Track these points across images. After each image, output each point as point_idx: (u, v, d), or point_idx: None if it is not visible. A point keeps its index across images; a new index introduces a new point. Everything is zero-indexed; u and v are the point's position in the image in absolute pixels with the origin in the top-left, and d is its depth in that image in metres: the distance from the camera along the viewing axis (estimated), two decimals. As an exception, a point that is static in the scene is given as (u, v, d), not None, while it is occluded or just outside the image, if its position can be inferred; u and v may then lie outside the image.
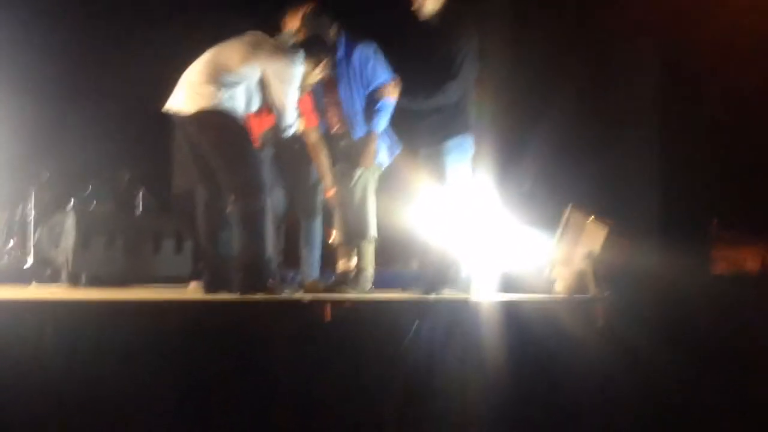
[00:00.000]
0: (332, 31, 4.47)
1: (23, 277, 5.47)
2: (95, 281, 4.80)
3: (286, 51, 4.04)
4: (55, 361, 3.10)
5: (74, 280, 4.81)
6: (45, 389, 3.07)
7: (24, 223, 7.37)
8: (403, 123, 4.66)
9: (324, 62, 4.23)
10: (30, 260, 7.13)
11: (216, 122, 3.88)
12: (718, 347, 4.57)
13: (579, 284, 3.93)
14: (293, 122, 4.12)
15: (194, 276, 5.08)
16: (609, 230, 3.88)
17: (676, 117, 5.46)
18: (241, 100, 3.96)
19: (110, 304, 3.15)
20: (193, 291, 4.82)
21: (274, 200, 4.69)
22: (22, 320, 2.98)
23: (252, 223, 3.89)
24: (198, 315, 3.38)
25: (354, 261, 4.62)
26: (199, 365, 3.43)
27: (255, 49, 3.98)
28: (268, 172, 4.62)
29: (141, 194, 8.06)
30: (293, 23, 4.38)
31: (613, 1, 4.77)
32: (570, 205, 4.03)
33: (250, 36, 4.08)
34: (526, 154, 5.96)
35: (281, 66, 3.97)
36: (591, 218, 3.93)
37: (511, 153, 5.32)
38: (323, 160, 4.54)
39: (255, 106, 4.05)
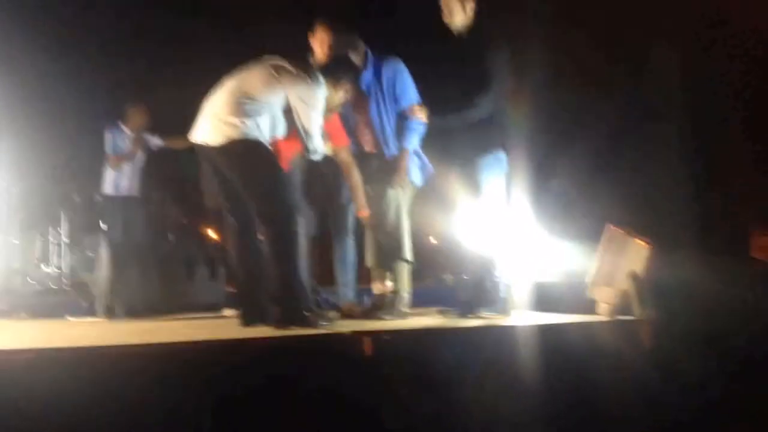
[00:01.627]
0: (359, 49, 4.43)
1: (57, 307, 5.46)
2: (131, 312, 4.78)
3: (308, 74, 3.97)
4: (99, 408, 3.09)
5: (110, 313, 4.79)
6: None
7: (57, 246, 7.46)
8: (435, 140, 4.59)
9: (345, 84, 4.17)
10: (64, 285, 7.20)
11: (244, 151, 3.83)
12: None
13: (623, 305, 3.82)
14: (320, 146, 4.07)
15: (229, 303, 5.07)
16: (651, 249, 3.77)
17: (715, 126, 5.31)
18: (266, 127, 3.92)
19: (144, 348, 3.10)
20: (227, 316, 4.81)
21: (307, 221, 4.67)
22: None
23: (283, 252, 3.83)
24: (236, 353, 3.33)
25: (389, 283, 4.55)
26: (240, 402, 3.40)
27: (277, 74, 3.92)
28: (299, 194, 4.61)
29: (173, 214, 8.12)
30: (321, 43, 4.31)
31: (647, 12, 4.65)
32: (609, 223, 3.92)
33: (269, 60, 4.01)
34: (561, 167, 5.86)
35: (304, 90, 3.91)
36: (633, 237, 3.81)
37: (547, 168, 5.22)
38: (356, 180, 4.47)
39: (280, 131, 4.01)
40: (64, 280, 7.27)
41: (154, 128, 7.36)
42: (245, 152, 3.84)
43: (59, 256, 7.50)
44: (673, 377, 3.75)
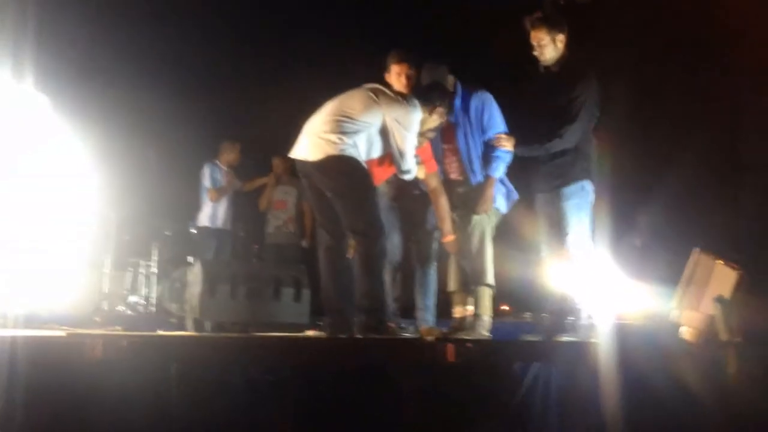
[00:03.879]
0: (450, 82, 4.59)
1: (148, 327, 5.67)
2: (219, 328, 4.93)
3: (405, 99, 4.17)
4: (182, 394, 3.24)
5: (199, 327, 4.95)
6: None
7: (146, 277, 7.76)
8: (521, 169, 4.69)
9: (440, 109, 4.31)
10: (152, 311, 7.46)
11: (341, 167, 4.01)
12: None
13: (709, 329, 3.79)
14: (413, 167, 4.22)
15: (312, 324, 5.19)
16: (739, 274, 3.75)
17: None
18: (362, 147, 4.09)
19: (236, 340, 3.25)
20: (311, 336, 4.92)
21: (391, 247, 4.78)
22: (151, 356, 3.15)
23: (372, 265, 3.97)
24: (324, 353, 3.45)
25: (471, 307, 4.62)
26: (322, 402, 3.50)
27: (376, 97, 4.12)
28: (386, 220, 4.75)
29: (256, 249, 8.36)
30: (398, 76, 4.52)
31: (740, 48, 4.67)
32: (697, 247, 3.92)
33: (369, 86, 4.23)
34: (642, 205, 5.86)
35: (401, 113, 4.09)
36: (720, 261, 3.80)
37: (629, 202, 5.24)
38: (443, 205, 4.58)
39: (376, 153, 4.18)
40: (152, 308, 7.52)
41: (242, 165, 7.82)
42: (341, 167, 4.02)
43: (147, 286, 7.77)
44: (758, 404, 3.68)
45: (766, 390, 3.68)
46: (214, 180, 7.65)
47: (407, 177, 4.26)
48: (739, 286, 3.74)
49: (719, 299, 3.74)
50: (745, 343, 3.69)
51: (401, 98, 4.17)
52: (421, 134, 4.25)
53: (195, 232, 7.83)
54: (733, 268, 3.79)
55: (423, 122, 4.21)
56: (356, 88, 4.25)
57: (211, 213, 7.65)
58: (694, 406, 3.66)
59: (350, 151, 4.02)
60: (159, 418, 3.21)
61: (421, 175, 4.44)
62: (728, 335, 3.69)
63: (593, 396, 3.69)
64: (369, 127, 4.08)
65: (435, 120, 4.30)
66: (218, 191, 7.64)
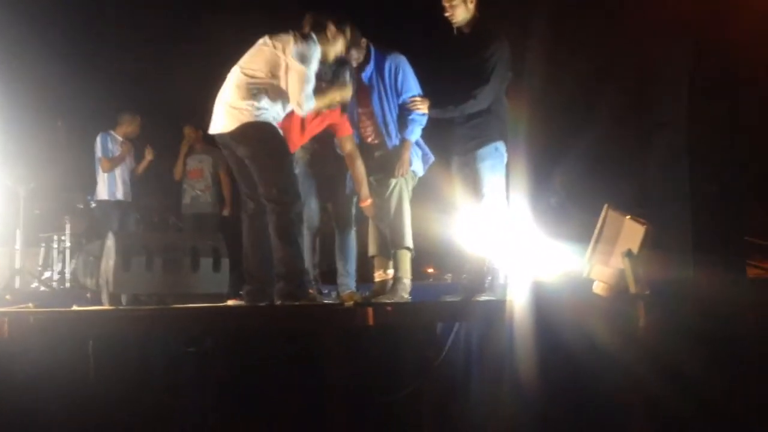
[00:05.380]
0: (362, 44, 4.56)
1: (62, 303, 5.52)
2: (135, 301, 4.83)
3: (300, 35, 4.08)
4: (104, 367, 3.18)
5: (115, 301, 4.84)
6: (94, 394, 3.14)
7: (60, 252, 7.54)
8: (437, 131, 4.71)
9: (334, 29, 4.18)
10: (67, 286, 7.26)
11: (255, 133, 3.97)
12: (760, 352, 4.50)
13: (619, 283, 3.90)
14: (310, 99, 4.07)
15: (232, 294, 5.14)
16: (647, 229, 3.87)
17: (711, 128, 5.40)
18: (277, 106, 4.05)
19: (153, 312, 3.20)
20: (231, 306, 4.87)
21: (309, 212, 4.76)
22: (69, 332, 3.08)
23: (287, 231, 3.96)
24: (245, 321, 3.44)
25: (391, 271, 4.65)
26: (245, 371, 3.49)
27: (273, 47, 4.03)
28: (303, 186, 4.72)
29: (173, 220, 8.22)
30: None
31: (651, 10, 4.75)
32: (606, 204, 4.02)
33: (262, 40, 4.13)
34: (557, 165, 5.97)
35: (298, 48, 3.99)
36: (628, 217, 3.91)
37: (544, 162, 5.33)
38: (359, 169, 4.58)
39: (287, 108, 4.11)
40: (67, 284, 7.33)
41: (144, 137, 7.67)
42: (256, 134, 3.97)
43: (61, 261, 7.56)
44: (666, 355, 3.83)
45: (672, 340, 3.83)
46: (105, 150, 7.44)
47: (306, 108, 4.07)
48: (646, 241, 3.86)
49: (628, 254, 3.85)
50: (652, 295, 3.82)
51: (295, 34, 4.07)
52: (332, 105, 4.23)
53: (95, 206, 7.62)
54: (641, 223, 3.90)
55: (328, 51, 4.14)
56: (252, 48, 4.15)
57: (108, 185, 7.46)
58: (606, 359, 3.78)
59: (264, 117, 3.98)
60: (75, 397, 3.15)
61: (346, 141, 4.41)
62: (637, 289, 3.81)
63: (510, 352, 3.78)
64: (278, 82, 4.02)
65: (339, 44, 4.22)
66: (111, 161, 7.43)
